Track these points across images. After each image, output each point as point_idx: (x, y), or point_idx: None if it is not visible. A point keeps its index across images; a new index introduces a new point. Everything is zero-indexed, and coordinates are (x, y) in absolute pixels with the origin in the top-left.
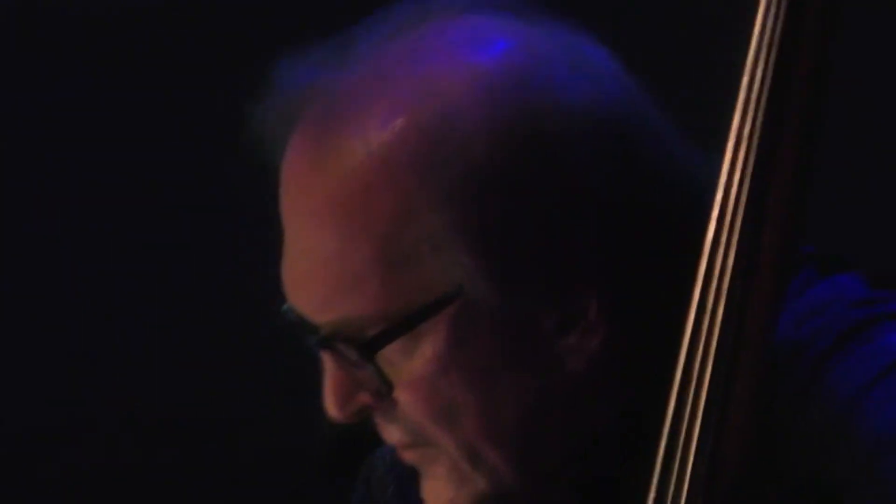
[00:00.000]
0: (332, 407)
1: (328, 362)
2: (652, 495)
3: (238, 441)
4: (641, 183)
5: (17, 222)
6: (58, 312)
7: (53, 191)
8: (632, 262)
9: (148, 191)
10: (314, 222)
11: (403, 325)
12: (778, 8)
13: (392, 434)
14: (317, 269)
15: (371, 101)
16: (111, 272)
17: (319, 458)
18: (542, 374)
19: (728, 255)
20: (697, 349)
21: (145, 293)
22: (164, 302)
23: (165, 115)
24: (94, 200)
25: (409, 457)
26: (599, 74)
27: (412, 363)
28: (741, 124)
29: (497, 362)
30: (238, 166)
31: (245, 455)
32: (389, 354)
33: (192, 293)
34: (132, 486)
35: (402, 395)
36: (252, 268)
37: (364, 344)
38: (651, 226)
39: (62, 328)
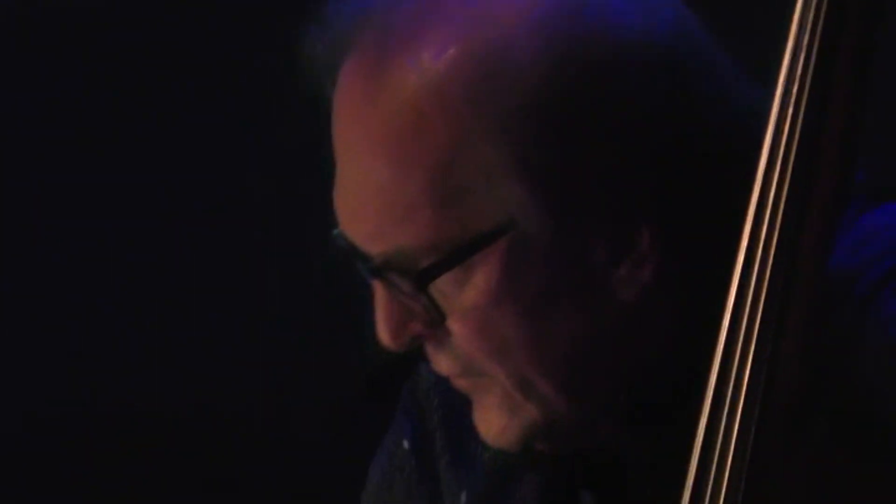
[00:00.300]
0: (384, 335)
1: (380, 291)
2: (703, 425)
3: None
4: (694, 113)
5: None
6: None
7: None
8: (684, 193)
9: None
10: (368, 152)
11: (456, 256)
12: None
13: (443, 364)
14: (370, 199)
15: (425, 30)
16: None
17: (364, 382)
18: (593, 305)
19: (782, 185)
20: (750, 279)
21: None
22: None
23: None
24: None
25: (460, 385)
26: (654, 5)
27: (465, 294)
28: (794, 54)
29: (549, 293)
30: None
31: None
32: (442, 285)
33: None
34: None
35: (455, 326)
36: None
37: (417, 274)
38: (704, 156)
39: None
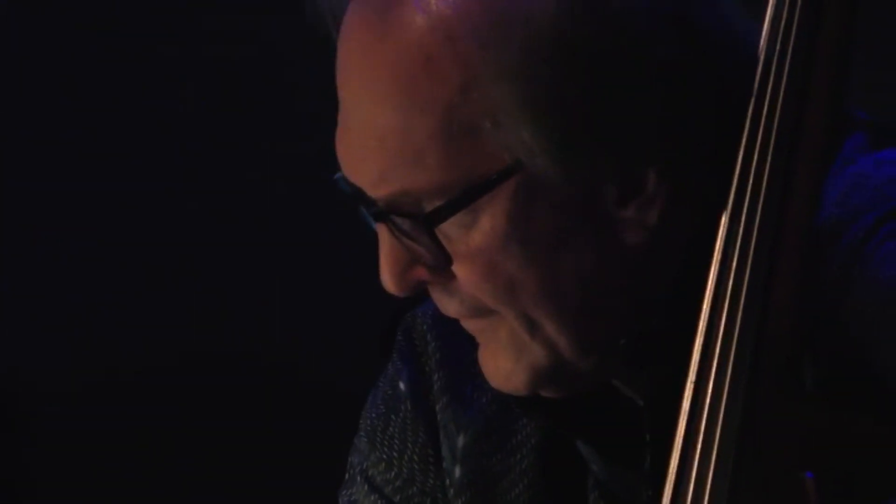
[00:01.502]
0: (388, 280)
1: (384, 235)
2: (694, 369)
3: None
4: (699, 54)
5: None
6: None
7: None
8: (689, 134)
9: None
10: (374, 95)
11: (462, 198)
12: None
13: (449, 306)
14: (376, 142)
15: None
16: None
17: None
18: (600, 247)
19: (771, 122)
20: (740, 222)
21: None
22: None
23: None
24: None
25: (468, 326)
26: None
27: (470, 237)
28: None
29: (556, 235)
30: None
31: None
32: (447, 228)
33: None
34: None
35: (460, 269)
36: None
37: (422, 217)
38: (708, 97)
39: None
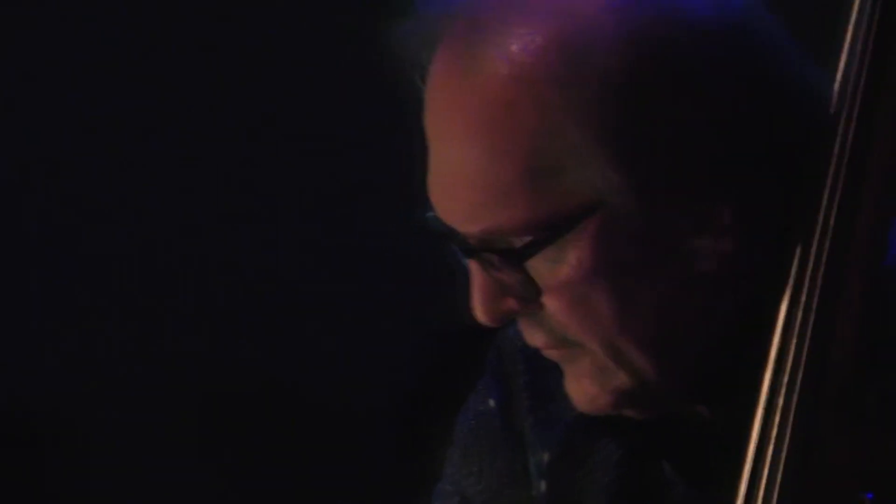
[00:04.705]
0: (479, 312)
1: (475, 269)
2: (765, 395)
3: None
4: (766, 92)
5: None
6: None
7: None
8: (760, 169)
9: None
10: (461, 140)
11: (549, 234)
12: None
13: (537, 337)
14: (464, 184)
15: (511, 21)
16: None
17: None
18: (679, 276)
19: (840, 166)
20: (809, 257)
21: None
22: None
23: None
24: None
25: (552, 355)
26: None
27: (558, 270)
28: (854, 37)
29: (637, 266)
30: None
31: None
32: (536, 262)
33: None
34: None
35: (549, 301)
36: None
37: (513, 253)
38: (776, 133)
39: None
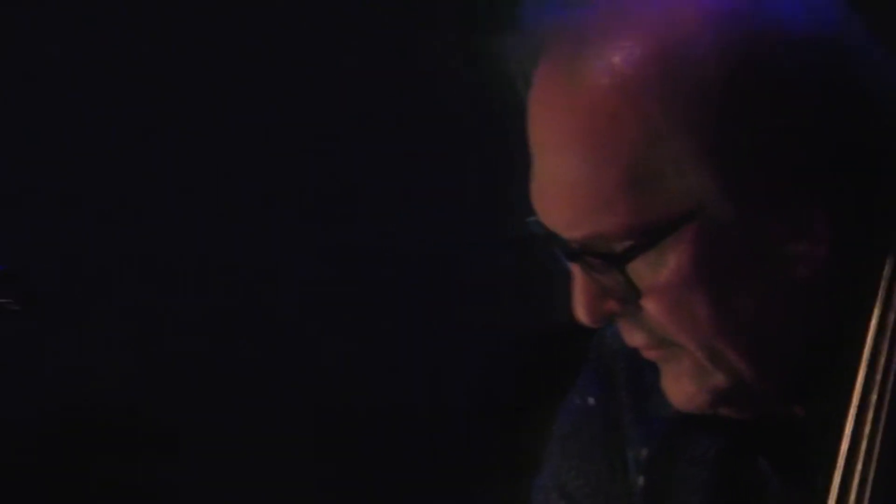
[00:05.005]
0: (581, 313)
1: (577, 272)
2: (857, 396)
3: None
4: (857, 99)
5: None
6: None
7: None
8: (851, 175)
9: None
10: (567, 150)
11: (650, 239)
12: None
13: (636, 337)
14: (568, 192)
15: (613, 34)
16: None
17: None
18: (774, 280)
19: None
20: None
21: None
22: None
23: None
24: None
25: (651, 356)
26: (819, 4)
27: (658, 273)
28: None
29: (734, 270)
30: None
31: None
32: (636, 266)
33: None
34: None
35: (648, 303)
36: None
37: (613, 257)
38: (866, 140)
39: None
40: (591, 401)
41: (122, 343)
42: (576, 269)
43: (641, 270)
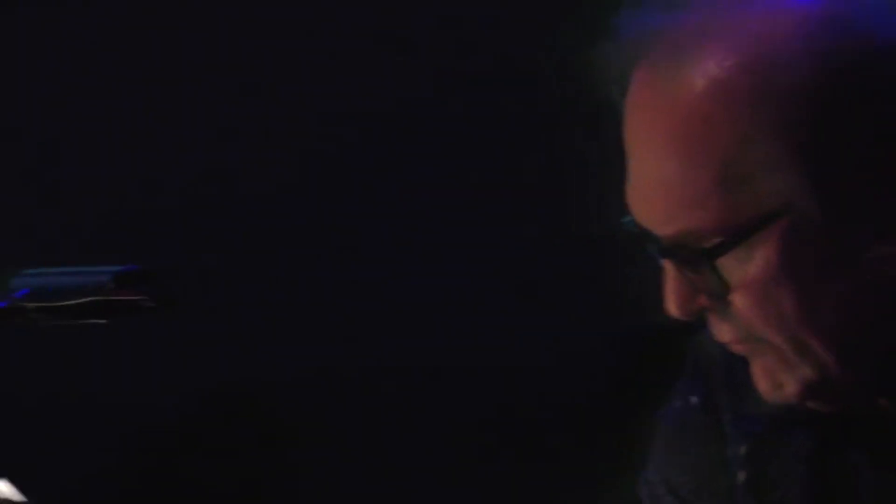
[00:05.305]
0: (673, 307)
1: (669, 268)
2: None
3: None
4: None
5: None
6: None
7: None
8: None
9: None
10: (660, 151)
11: (739, 237)
12: None
13: (724, 331)
14: (662, 191)
15: (707, 42)
16: None
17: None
18: (861, 277)
19: None
20: None
21: None
22: None
23: None
24: None
25: (739, 349)
26: None
27: (746, 269)
28: None
29: (821, 267)
30: None
31: None
32: (726, 261)
33: None
34: None
35: (737, 298)
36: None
37: (705, 253)
38: None
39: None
40: (693, 400)
41: (253, 338)
42: (668, 266)
43: (730, 266)
